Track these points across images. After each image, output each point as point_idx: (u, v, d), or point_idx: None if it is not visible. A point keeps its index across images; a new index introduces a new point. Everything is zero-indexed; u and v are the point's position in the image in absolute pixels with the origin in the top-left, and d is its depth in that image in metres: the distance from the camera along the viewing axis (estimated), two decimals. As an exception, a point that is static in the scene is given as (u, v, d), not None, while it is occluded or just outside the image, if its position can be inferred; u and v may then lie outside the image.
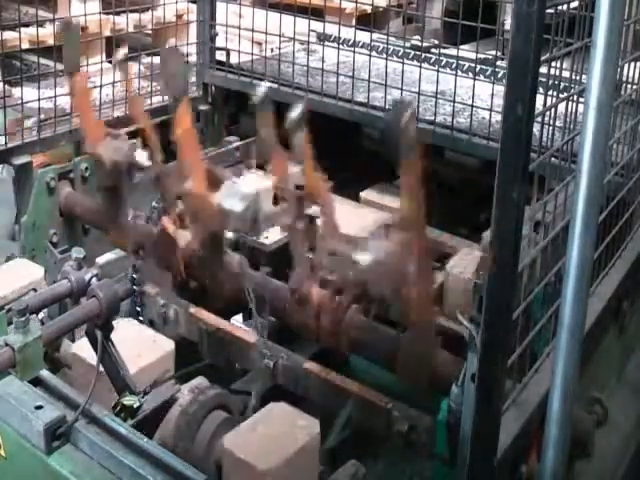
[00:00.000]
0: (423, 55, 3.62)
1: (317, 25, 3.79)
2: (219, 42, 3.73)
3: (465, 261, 2.63)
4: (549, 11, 1.52)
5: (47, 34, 3.79)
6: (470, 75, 3.35)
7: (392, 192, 3.35)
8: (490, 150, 2.92)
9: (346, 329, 2.35)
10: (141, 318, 2.61)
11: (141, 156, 2.59)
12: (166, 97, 3.54)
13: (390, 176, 3.56)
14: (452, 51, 3.51)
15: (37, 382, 1.98)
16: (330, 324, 2.27)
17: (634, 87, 2.45)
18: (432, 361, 2.16)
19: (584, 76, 1.85)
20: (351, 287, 2.20)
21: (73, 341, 2.45)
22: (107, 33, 3.94)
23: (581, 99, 1.68)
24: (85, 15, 3.46)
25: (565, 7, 1.84)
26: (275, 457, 1.82)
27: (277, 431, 1.91)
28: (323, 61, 3.44)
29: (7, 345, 1.89)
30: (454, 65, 3.43)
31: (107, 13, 3.79)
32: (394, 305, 2.40)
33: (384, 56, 3.30)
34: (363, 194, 3.29)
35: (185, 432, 2.02)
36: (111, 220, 2.84)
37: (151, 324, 2.63)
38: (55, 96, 3.15)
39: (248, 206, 2.25)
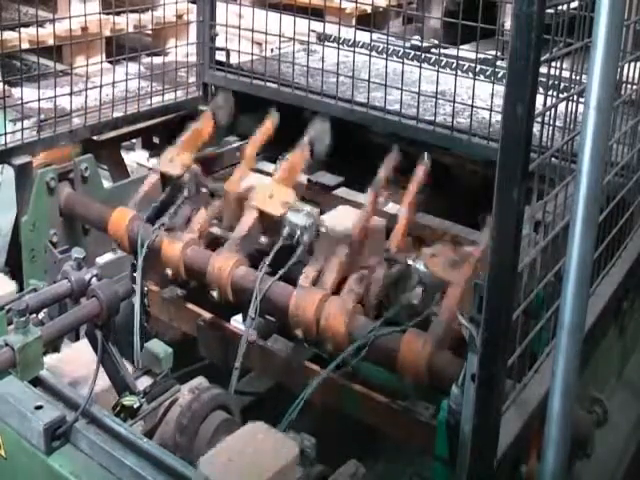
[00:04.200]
0: (423, 55, 3.62)
1: (317, 25, 3.79)
2: (219, 42, 3.73)
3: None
4: (549, 11, 1.52)
5: (47, 34, 3.79)
6: (470, 75, 3.35)
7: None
8: (490, 150, 2.92)
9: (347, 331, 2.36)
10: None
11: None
12: (166, 97, 3.56)
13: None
14: (452, 51, 3.51)
15: (37, 382, 1.98)
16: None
17: (634, 87, 2.45)
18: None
19: (584, 76, 1.84)
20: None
21: (74, 341, 2.45)
22: (107, 33, 3.94)
23: (581, 99, 1.68)
24: (85, 15, 3.46)
25: (565, 7, 1.84)
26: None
27: (255, 452, 1.85)
28: (323, 61, 3.44)
29: (7, 345, 1.89)
30: (454, 65, 3.43)
31: (107, 13, 3.79)
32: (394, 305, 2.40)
33: (384, 56, 3.30)
34: None
35: (185, 432, 2.02)
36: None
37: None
38: (55, 96, 3.14)
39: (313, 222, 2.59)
